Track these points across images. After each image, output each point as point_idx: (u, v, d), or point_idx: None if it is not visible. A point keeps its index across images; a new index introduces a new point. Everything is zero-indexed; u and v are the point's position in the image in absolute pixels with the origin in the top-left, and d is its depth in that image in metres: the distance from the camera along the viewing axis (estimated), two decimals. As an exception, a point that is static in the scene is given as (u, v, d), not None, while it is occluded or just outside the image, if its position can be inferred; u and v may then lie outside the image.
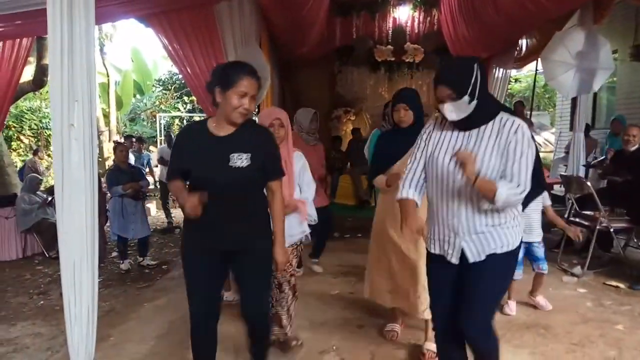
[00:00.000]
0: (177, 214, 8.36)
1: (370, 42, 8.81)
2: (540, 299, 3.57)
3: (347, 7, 8.62)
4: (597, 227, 4.25)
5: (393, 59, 8.76)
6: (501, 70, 8.03)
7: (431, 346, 2.73)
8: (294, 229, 2.77)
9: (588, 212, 4.47)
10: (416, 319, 2.95)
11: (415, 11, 8.87)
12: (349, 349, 2.99)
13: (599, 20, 5.45)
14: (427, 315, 2.65)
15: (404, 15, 8.93)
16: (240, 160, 2.04)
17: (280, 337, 2.90)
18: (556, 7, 5.24)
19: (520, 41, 7.57)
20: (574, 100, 6.96)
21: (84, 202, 1.99)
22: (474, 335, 1.98)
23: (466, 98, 1.85)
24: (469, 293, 1.96)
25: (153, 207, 9.39)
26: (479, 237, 1.93)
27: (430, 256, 2.10)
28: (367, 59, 8.79)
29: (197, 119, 15.54)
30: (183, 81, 14.53)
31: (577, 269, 4.36)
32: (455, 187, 1.92)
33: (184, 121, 15.86)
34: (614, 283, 4.07)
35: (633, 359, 2.77)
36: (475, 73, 1.86)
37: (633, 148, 4.66)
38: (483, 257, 1.93)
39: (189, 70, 5.64)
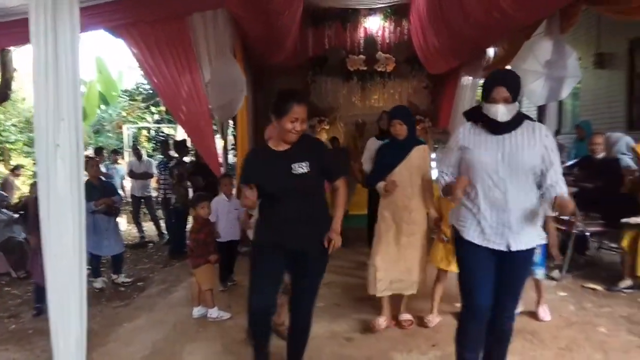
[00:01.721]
0: (149, 228, 8.14)
1: (342, 52, 8.87)
2: (540, 310, 3.54)
3: (319, 17, 8.65)
4: (574, 231, 4.38)
5: (365, 68, 8.83)
6: (470, 78, 8.22)
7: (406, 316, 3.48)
8: None
9: (564, 217, 4.59)
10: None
11: (385, 21, 8.99)
12: (341, 363, 2.96)
13: (566, 30, 5.64)
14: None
15: (374, 25, 9.03)
16: (301, 168, 2.37)
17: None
18: (523, 16, 5.40)
19: (488, 50, 7.78)
20: (540, 107, 7.18)
21: (71, 223, 1.90)
22: (512, 315, 2.34)
23: (516, 104, 2.15)
24: (512, 279, 2.28)
25: (123, 221, 9.12)
26: (524, 228, 2.20)
27: (468, 244, 2.28)
28: (340, 69, 8.83)
29: (165, 130, 15.26)
30: (151, 91, 14.27)
31: (556, 273, 4.46)
32: (507, 188, 2.18)
33: (152, 132, 15.50)
34: (591, 285, 4.19)
35: (619, 361, 2.84)
36: (521, 85, 2.20)
37: (600, 156, 4.84)
38: (525, 247, 2.21)
39: (161, 81, 5.53)
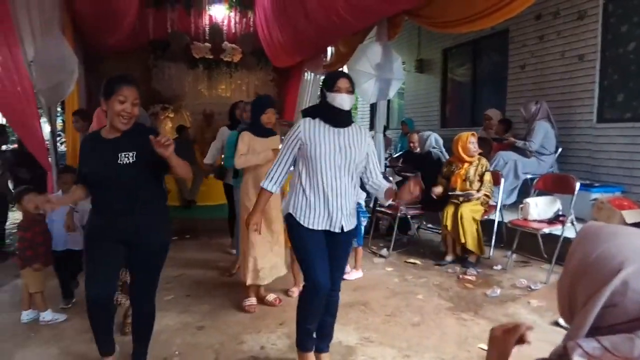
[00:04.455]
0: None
1: (186, 37, 8.61)
2: (353, 271, 4.34)
3: (160, -1, 8.28)
4: (398, 214, 5.03)
5: (211, 57, 8.72)
6: (312, 74, 8.72)
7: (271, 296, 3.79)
8: None
9: (390, 202, 5.23)
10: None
11: (231, 11, 8.97)
12: (192, 352, 2.99)
13: (392, 36, 6.36)
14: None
15: (219, 14, 8.95)
16: (127, 158, 2.33)
17: None
18: (357, 21, 5.97)
19: (328, 49, 8.33)
20: (372, 105, 7.96)
21: None
22: (339, 289, 2.66)
23: (354, 96, 2.48)
24: (339, 257, 2.63)
25: None
26: (351, 213, 2.58)
27: (310, 231, 2.52)
28: (184, 55, 8.56)
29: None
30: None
31: (384, 251, 5.09)
32: (342, 177, 2.48)
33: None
34: (412, 260, 4.86)
35: (432, 321, 3.39)
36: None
37: (417, 150, 5.70)
38: (351, 228, 2.59)
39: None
